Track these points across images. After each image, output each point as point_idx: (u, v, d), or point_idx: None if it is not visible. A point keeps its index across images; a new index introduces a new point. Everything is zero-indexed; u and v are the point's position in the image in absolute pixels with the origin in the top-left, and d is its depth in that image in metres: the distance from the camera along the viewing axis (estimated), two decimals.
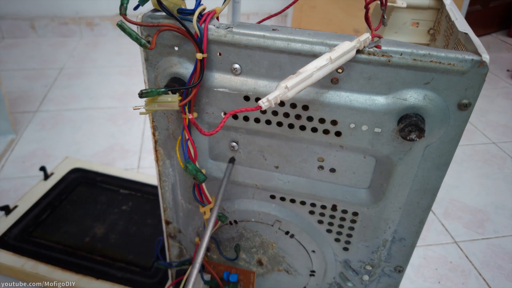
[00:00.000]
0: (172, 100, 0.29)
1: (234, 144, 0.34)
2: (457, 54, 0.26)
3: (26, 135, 1.22)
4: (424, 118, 0.28)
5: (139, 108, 0.29)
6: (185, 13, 0.28)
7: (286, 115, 0.31)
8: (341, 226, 0.36)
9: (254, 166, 0.35)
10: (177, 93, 0.29)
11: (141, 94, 0.28)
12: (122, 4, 0.26)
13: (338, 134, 0.30)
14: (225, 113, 0.32)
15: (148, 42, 0.29)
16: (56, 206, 0.76)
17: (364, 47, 0.27)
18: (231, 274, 0.41)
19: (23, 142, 1.19)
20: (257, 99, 0.30)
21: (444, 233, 0.96)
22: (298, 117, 0.30)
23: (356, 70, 0.27)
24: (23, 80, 1.54)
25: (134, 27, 0.28)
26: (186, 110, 0.30)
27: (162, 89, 0.29)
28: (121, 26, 0.26)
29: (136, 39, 0.27)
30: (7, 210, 0.74)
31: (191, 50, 0.30)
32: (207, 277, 0.42)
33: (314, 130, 0.31)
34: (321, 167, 0.33)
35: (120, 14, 0.26)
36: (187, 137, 0.31)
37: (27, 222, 0.72)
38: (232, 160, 0.35)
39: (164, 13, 0.29)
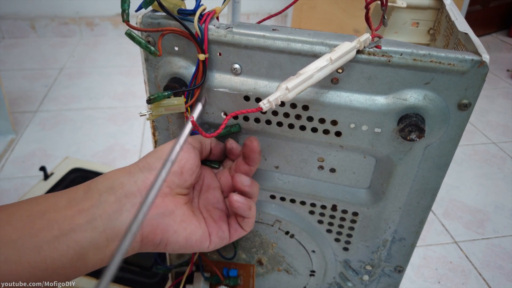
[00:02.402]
0: (179, 102, 0.29)
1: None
2: (457, 54, 0.26)
3: (26, 135, 1.22)
4: (424, 118, 0.28)
5: (145, 114, 0.29)
6: (185, 14, 0.28)
7: (286, 115, 0.31)
8: (341, 226, 0.36)
9: None
10: (182, 95, 0.29)
11: (149, 100, 0.28)
12: (123, 11, 0.25)
13: (338, 134, 0.30)
14: (225, 113, 0.32)
15: (149, 42, 0.29)
16: None
17: (364, 47, 0.27)
18: (230, 270, 0.42)
19: (23, 142, 1.19)
20: (257, 99, 0.30)
21: (444, 233, 0.96)
22: (298, 117, 0.30)
23: (356, 70, 0.27)
24: (23, 80, 1.54)
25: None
26: (189, 110, 0.30)
27: (167, 93, 0.28)
28: (130, 35, 0.26)
29: (146, 47, 0.27)
30: None
31: (191, 50, 0.30)
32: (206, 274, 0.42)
33: (314, 130, 0.31)
34: (321, 167, 0.33)
35: (123, 21, 0.25)
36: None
37: None
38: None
39: (164, 13, 0.29)
